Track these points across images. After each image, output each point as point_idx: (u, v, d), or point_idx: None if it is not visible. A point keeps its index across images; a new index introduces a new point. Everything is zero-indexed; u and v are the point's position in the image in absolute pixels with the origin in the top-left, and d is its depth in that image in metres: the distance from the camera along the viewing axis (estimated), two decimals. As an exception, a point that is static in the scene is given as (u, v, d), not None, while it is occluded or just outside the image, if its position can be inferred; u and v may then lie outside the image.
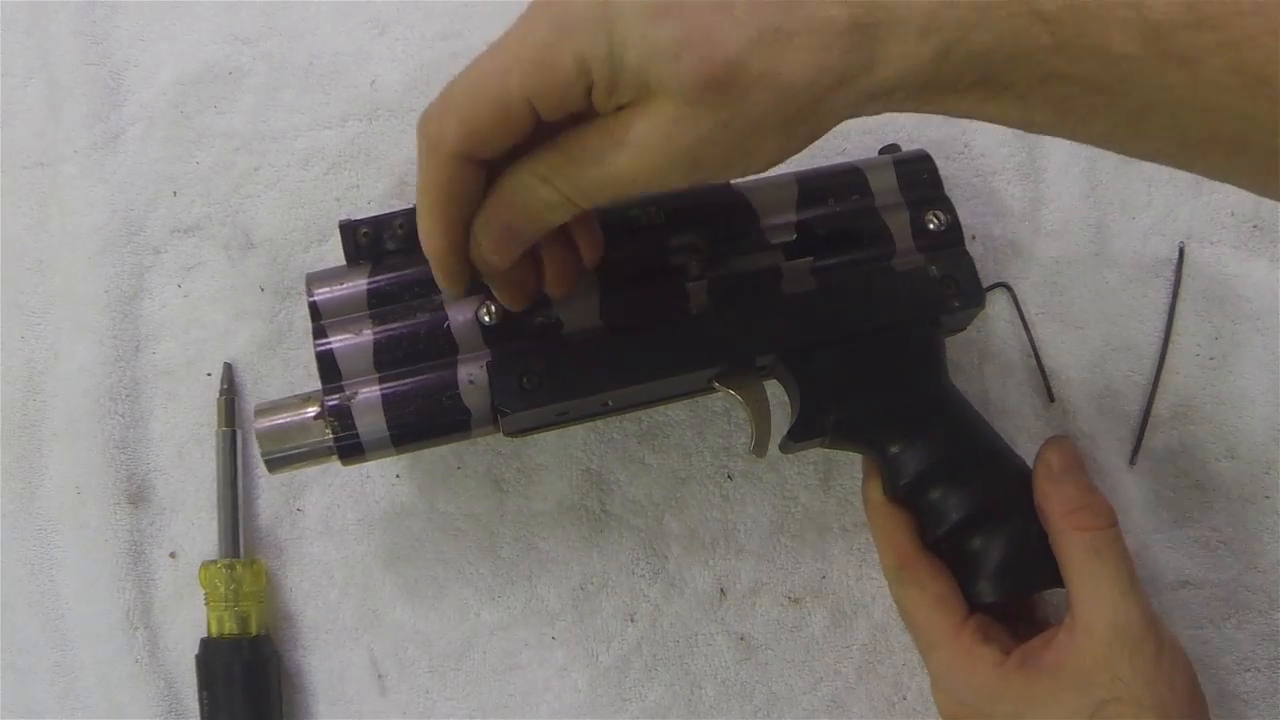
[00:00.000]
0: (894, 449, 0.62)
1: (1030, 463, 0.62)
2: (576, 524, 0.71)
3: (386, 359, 0.61)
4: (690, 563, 0.71)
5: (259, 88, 0.76)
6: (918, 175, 0.67)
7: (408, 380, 0.61)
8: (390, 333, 0.61)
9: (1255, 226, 0.73)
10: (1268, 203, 0.73)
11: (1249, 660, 0.69)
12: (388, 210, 0.64)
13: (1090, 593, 0.57)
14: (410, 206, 0.60)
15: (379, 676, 0.71)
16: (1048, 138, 0.73)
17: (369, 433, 0.61)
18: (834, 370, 0.63)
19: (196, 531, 0.72)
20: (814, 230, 0.65)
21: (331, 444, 0.61)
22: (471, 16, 0.76)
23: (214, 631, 0.69)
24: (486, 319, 0.62)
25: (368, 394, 0.61)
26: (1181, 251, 0.73)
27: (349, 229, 0.63)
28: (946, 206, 0.66)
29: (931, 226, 0.65)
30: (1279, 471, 0.71)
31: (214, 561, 0.70)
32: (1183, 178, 0.74)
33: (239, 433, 0.72)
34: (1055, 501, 0.59)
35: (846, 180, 0.66)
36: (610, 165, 0.48)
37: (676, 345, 0.62)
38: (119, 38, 0.77)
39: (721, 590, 0.71)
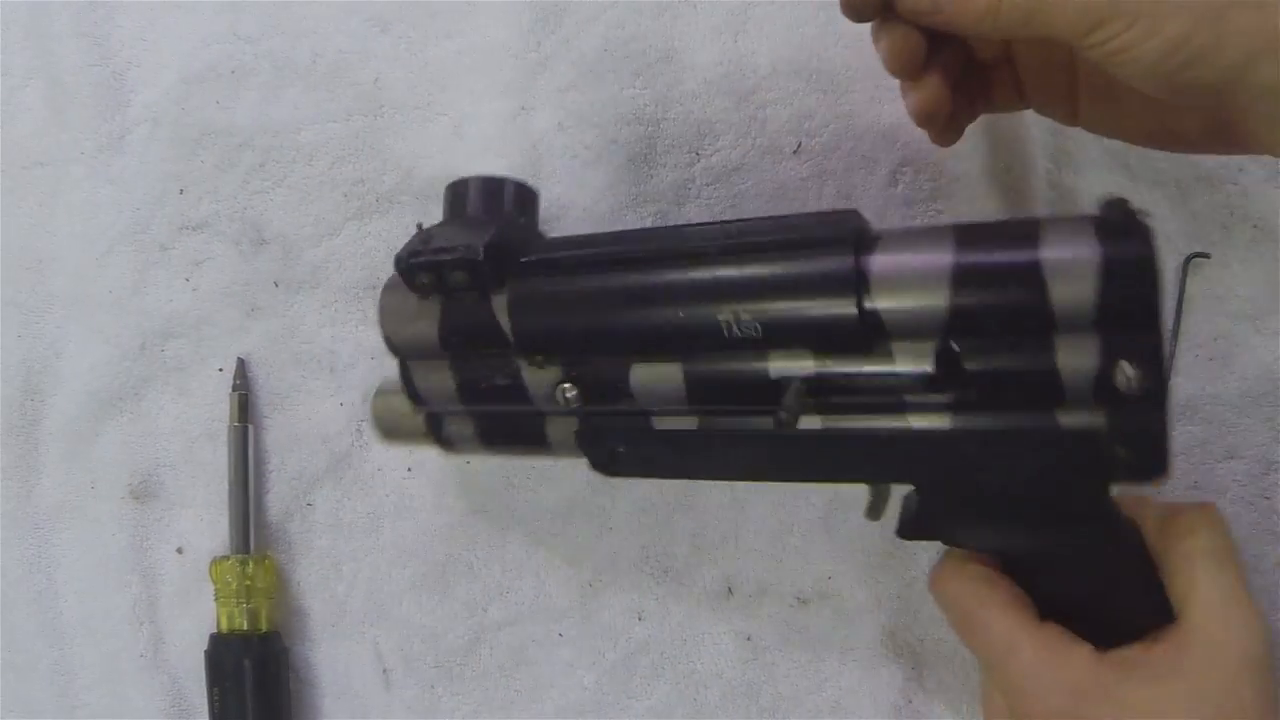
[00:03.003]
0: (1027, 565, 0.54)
1: None
2: (586, 521, 0.72)
3: (472, 400, 0.60)
4: (698, 562, 0.71)
5: (263, 86, 0.76)
6: (1127, 288, 0.46)
7: (496, 417, 0.62)
8: (470, 380, 0.60)
9: (1255, 226, 0.73)
10: (1268, 202, 0.74)
11: (1249, 660, 0.70)
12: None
13: (1216, 607, 0.51)
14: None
15: (384, 671, 0.72)
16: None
17: (461, 441, 0.62)
18: (966, 498, 0.52)
19: (205, 527, 0.73)
20: (959, 366, 0.50)
21: (431, 438, 0.63)
22: (473, 14, 0.76)
23: (224, 628, 0.70)
24: (568, 396, 0.57)
25: (459, 418, 0.62)
26: (1187, 264, 0.73)
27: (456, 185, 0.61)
28: (1152, 350, 0.47)
29: (1120, 383, 0.47)
30: (1279, 471, 0.71)
31: (226, 557, 0.70)
32: (1184, 177, 0.74)
33: (251, 428, 0.72)
34: (1161, 507, 0.55)
35: (1018, 298, 0.47)
36: None
37: (775, 457, 0.55)
38: (121, 38, 0.77)
39: (729, 590, 0.71)
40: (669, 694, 0.70)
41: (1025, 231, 0.48)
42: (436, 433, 0.62)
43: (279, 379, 0.73)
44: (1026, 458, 0.50)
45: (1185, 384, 0.72)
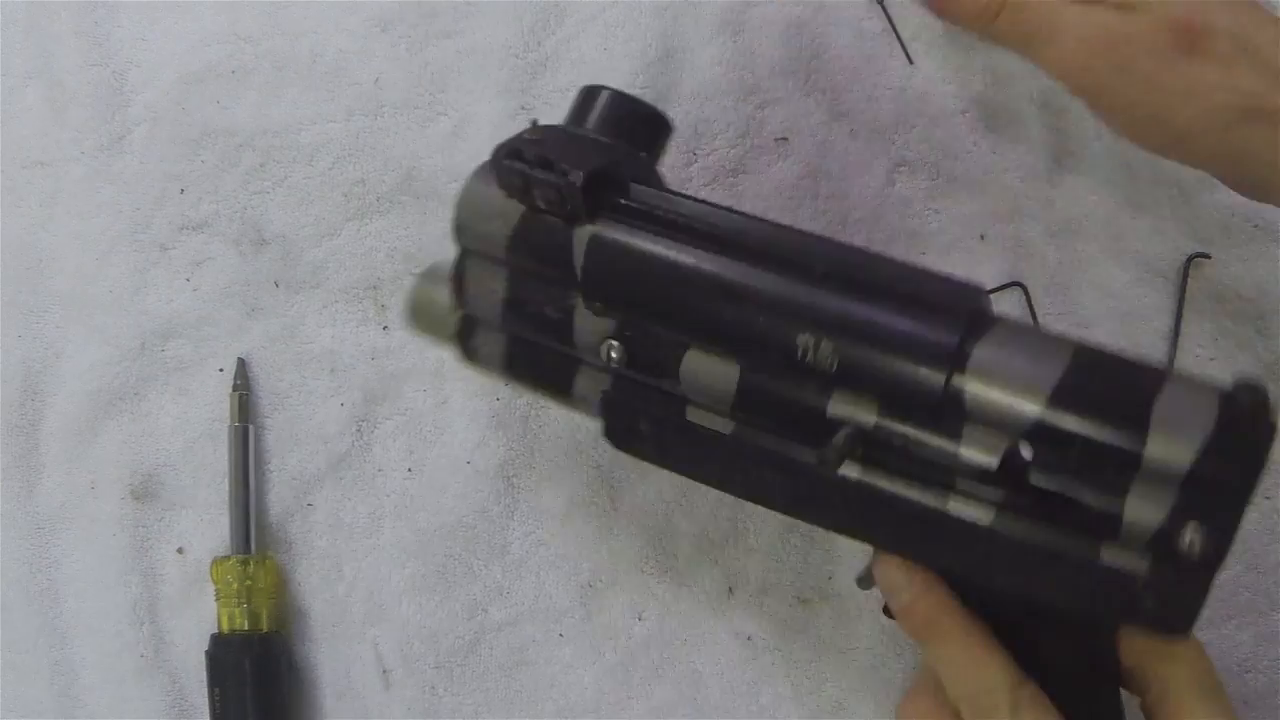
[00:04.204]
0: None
1: None
2: (586, 521, 0.72)
3: (514, 320, 0.56)
4: (699, 561, 0.71)
5: (263, 86, 0.76)
6: (1225, 468, 0.44)
7: (531, 347, 0.57)
8: (521, 298, 0.55)
9: (1256, 226, 0.73)
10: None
11: (1249, 662, 0.69)
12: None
13: None
14: None
15: (384, 671, 0.72)
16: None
17: (486, 358, 0.59)
18: (977, 595, 0.51)
19: (206, 527, 0.73)
20: (1022, 472, 0.46)
21: (458, 343, 0.59)
22: (473, 14, 0.76)
23: (225, 628, 0.70)
24: (612, 354, 0.53)
25: (493, 333, 0.58)
26: (1188, 265, 0.72)
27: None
28: (1227, 522, 0.44)
29: (1182, 544, 0.44)
30: (1279, 471, 0.71)
31: (227, 557, 0.70)
32: (1184, 178, 0.74)
33: (251, 428, 0.72)
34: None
35: (1112, 439, 0.45)
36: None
37: (804, 493, 0.52)
38: (121, 38, 0.77)
39: (729, 589, 0.71)
40: (669, 694, 0.70)
41: (1146, 379, 0.46)
42: (465, 339, 0.58)
43: (279, 379, 0.73)
44: (1055, 579, 0.47)
45: (1185, 384, 0.72)
